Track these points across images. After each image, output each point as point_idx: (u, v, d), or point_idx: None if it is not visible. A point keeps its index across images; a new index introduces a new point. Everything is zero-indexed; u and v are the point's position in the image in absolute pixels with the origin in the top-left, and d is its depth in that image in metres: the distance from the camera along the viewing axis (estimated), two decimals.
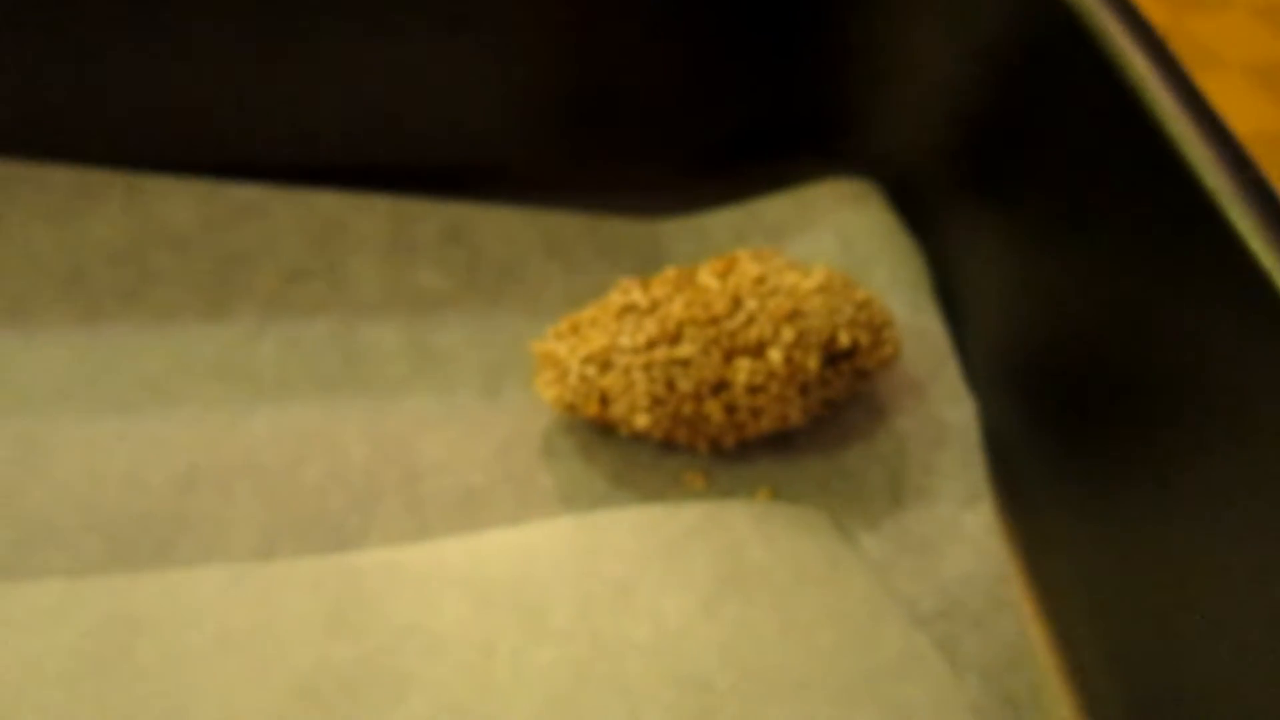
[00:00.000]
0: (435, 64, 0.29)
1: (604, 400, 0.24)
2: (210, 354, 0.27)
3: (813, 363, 0.24)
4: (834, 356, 0.25)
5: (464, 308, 0.28)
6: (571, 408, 0.25)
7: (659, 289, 0.25)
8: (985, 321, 0.28)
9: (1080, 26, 0.25)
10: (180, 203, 0.29)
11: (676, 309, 0.24)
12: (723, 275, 0.25)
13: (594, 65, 0.29)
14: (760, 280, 0.25)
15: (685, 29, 0.29)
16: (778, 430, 0.25)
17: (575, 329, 0.25)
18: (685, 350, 0.24)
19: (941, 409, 0.27)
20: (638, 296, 0.25)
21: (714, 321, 0.24)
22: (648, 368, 0.24)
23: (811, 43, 0.29)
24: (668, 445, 0.26)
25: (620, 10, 0.28)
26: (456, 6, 0.28)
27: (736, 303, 0.24)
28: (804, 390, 0.25)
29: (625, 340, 0.24)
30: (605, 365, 0.24)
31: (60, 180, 0.29)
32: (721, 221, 0.30)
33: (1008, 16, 0.27)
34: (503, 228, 0.29)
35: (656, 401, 0.24)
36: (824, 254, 0.29)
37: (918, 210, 0.30)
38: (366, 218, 0.29)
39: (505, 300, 0.28)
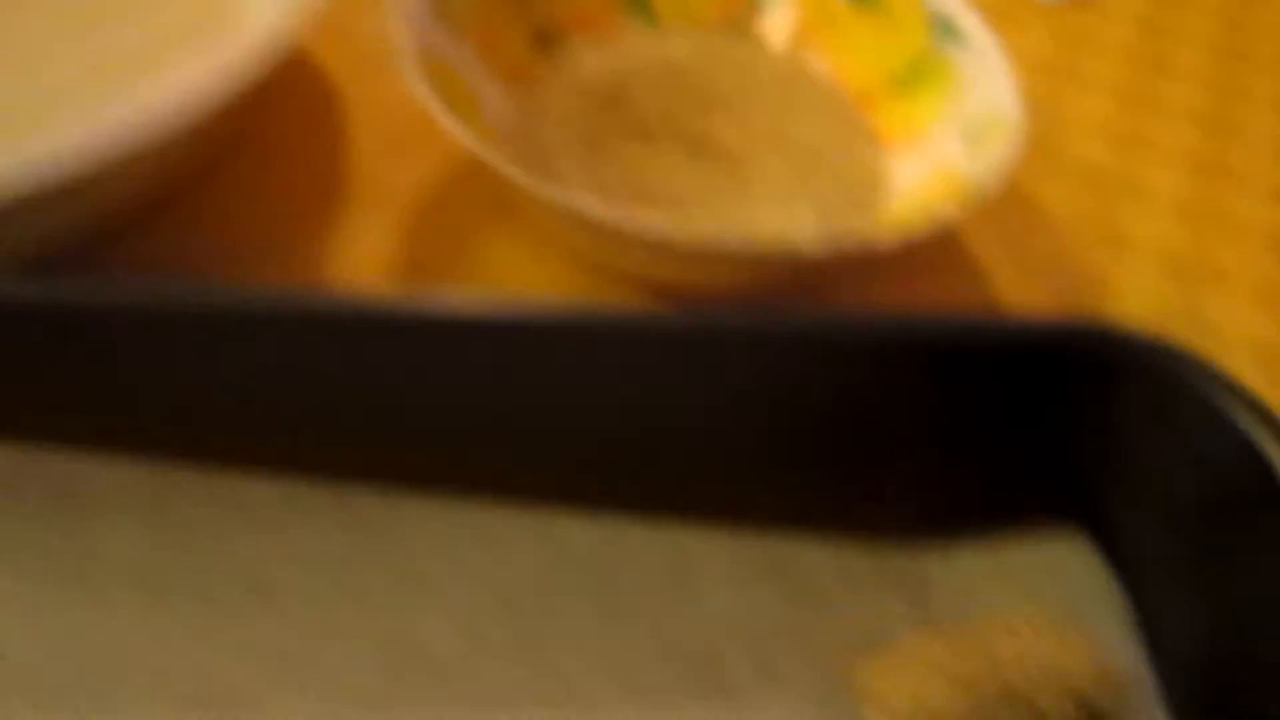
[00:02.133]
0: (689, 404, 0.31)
1: None
2: None
3: None
4: None
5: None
6: None
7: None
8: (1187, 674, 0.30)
9: None
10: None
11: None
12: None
13: (849, 417, 0.31)
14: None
15: (939, 397, 0.31)
16: None
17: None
18: None
19: None
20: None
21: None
22: None
23: (1057, 430, 0.32)
24: None
25: (882, 376, 0.31)
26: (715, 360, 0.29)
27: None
28: None
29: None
30: None
31: None
32: (954, 568, 0.32)
33: (1217, 469, 0.30)
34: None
35: None
36: (1046, 605, 0.31)
37: (1127, 569, 0.33)
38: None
39: None
